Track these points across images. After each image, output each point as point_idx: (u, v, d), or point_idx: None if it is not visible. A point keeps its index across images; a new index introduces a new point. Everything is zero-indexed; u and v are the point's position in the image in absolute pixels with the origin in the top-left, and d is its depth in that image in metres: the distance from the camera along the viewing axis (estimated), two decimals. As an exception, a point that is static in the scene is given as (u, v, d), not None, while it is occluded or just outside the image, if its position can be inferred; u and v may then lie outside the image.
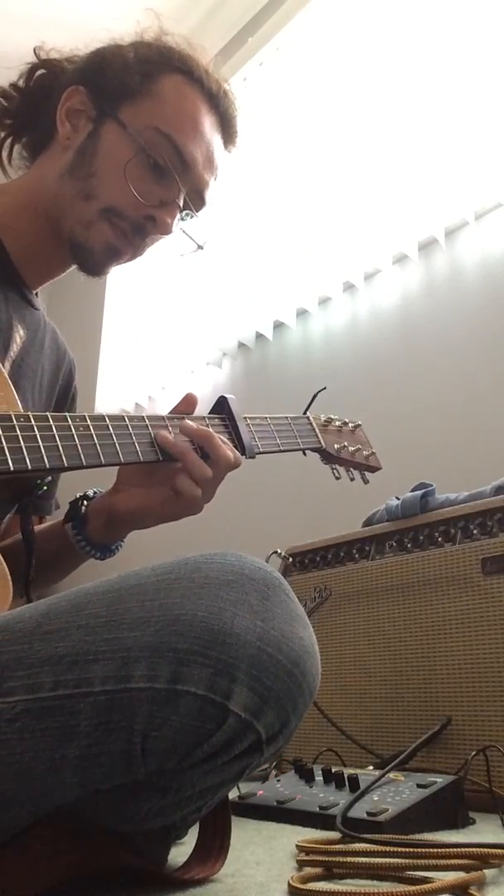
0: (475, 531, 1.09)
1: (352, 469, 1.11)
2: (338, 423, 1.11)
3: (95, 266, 0.90)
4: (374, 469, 1.14)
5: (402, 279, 1.76)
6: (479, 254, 1.62)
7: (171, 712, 0.49)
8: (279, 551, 1.37)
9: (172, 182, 0.87)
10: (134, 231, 0.88)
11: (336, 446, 1.07)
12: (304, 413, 1.07)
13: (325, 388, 1.10)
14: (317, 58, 2.02)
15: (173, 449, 0.80)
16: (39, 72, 0.94)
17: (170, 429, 0.82)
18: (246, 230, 2.11)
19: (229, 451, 0.83)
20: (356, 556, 1.27)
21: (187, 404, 0.88)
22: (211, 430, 0.84)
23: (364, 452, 1.12)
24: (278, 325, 2.05)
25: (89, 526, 0.87)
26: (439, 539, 1.14)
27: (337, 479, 1.09)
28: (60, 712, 0.50)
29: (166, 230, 0.89)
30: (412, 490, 1.23)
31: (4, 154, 0.95)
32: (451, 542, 1.12)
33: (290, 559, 1.38)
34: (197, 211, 0.92)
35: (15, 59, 0.94)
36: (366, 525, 1.30)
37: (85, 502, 0.89)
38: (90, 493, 0.90)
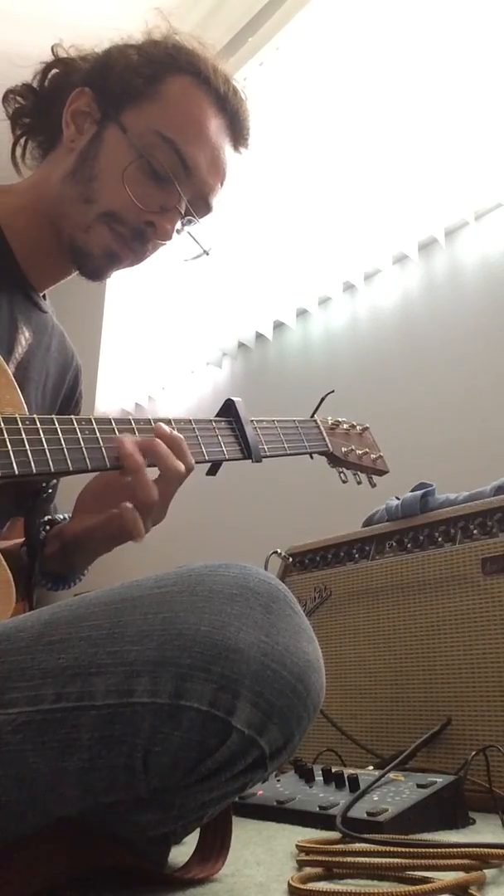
0: (475, 531, 1.09)
1: (358, 472, 1.11)
2: (345, 426, 1.11)
3: (95, 271, 0.89)
4: (381, 472, 1.14)
5: (402, 279, 1.77)
6: (479, 254, 1.62)
7: (173, 727, 0.49)
8: (279, 551, 1.37)
9: (173, 188, 0.86)
10: (133, 236, 0.87)
11: (343, 450, 1.07)
12: (312, 416, 1.07)
13: (332, 392, 1.09)
14: (317, 58, 2.02)
15: (126, 461, 0.74)
16: (53, 71, 0.92)
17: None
18: (246, 230, 2.11)
19: (175, 461, 0.76)
20: (356, 556, 1.27)
21: None
22: (156, 439, 0.77)
23: (371, 456, 1.11)
24: (278, 325, 2.05)
25: (46, 551, 0.85)
26: (439, 539, 1.14)
27: (344, 482, 1.09)
28: (62, 725, 0.49)
29: (166, 236, 0.88)
30: (412, 490, 1.23)
31: (19, 153, 0.94)
32: (451, 542, 1.12)
33: (290, 559, 1.38)
34: (201, 216, 0.91)
35: (32, 59, 0.92)
36: (366, 525, 1.30)
37: (47, 528, 0.87)
38: (59, 517, 0.88)
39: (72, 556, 0.85)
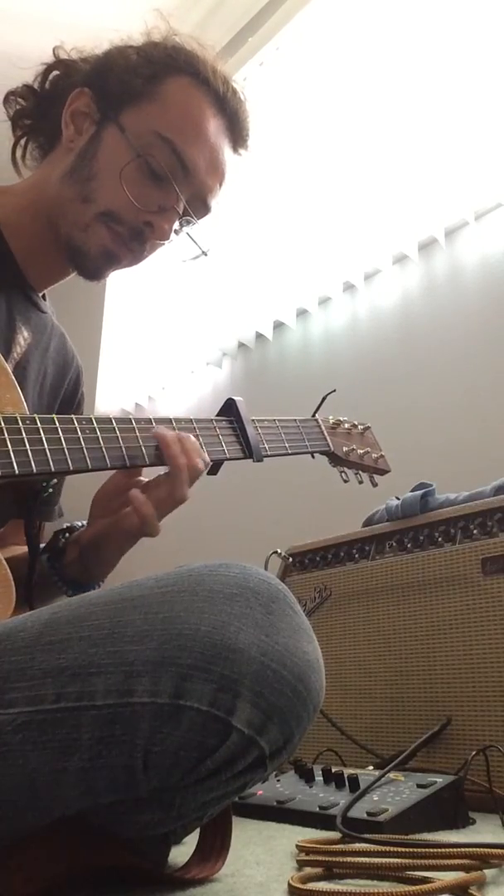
0: (475, 531, 1.09)
1: (360, 472, 1.11)
2: (347, 426, 1.11)
3: (93, 271, 0.89)
4: (382, 472, 1.14)
5: (402, 279, 1.77)
6: (479, 254, 1.62)
7: (173, 727, 0.49)
8: (279, 551, 1.37)
9: (171, 188, 0.86)
10: (132, 236, 0.87)
11: (344, 449, 1.07)
12: (313, 415, 1.06)
13: (334, 391, 1.09)
14: (317, 58, 2.02)
15: (175, 461, 0.80)
16: (54, 73, 0.93)
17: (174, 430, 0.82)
18: (246, 230, 2.11)
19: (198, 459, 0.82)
20: (356, 556, 1.27)
21: None
22: (190, 436, 0.83)
23: (373, 455, 1.11)
24: (278, 325, 2.05)
25: (66, 559, 0.86)
26: (439, 539, 1.14)
27: (345, 482, 1.09)
28: (62, 725, 0.49)
29: (164, 236, 0.88)
30: (412, 490, 1.23)
31: (19, 154, 0.94)
32: (451, 542, 1.12)
33: (291, 559, 1.38)
34: (200, 217, 0.91)
35: (33, 60, 0.93)
36: (366, 525, 1.30)
37: (66, 535, 0.88)
38: (77, 524, 0.89)
39: (89, 560, 0.86)
